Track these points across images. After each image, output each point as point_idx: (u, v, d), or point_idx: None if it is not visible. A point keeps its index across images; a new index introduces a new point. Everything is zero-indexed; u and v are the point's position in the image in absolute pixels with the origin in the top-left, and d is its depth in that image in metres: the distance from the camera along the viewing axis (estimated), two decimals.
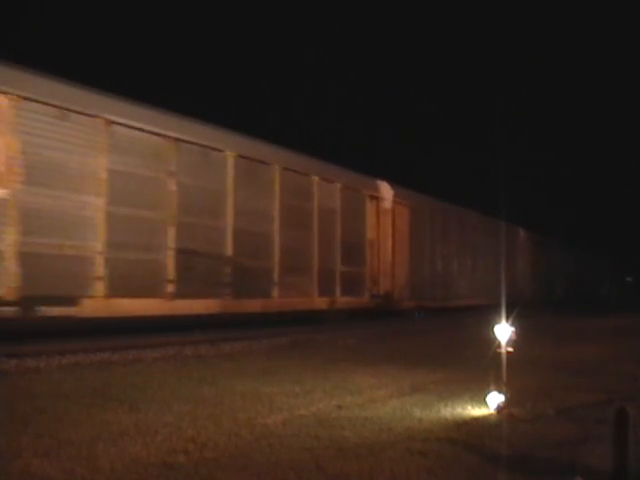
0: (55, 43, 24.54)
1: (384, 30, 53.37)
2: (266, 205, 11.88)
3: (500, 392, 4.66)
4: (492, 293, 19.96)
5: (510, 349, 4.74)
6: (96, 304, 8.67)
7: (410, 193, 17.33)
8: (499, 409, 4.65)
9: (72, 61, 21.18)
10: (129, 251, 9.23)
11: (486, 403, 4.73)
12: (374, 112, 46.22)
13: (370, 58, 48.25)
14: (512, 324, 4.84)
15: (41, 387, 5.52)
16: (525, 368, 6.42)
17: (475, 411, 4.75)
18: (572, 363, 7.79)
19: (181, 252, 9.96)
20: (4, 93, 7.79)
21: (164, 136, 9.85)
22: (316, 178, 13.33)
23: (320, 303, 13.23)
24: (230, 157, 11.08)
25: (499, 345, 4.76)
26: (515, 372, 4.87)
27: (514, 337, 4.77)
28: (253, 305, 11.53)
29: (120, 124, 9.15)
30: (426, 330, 13.13)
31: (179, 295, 9.91)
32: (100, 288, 8.74)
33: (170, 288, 9.82)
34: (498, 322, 4.83)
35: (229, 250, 10.94)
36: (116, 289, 8.91)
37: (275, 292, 11.97)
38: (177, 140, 10.05)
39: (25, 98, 7.98)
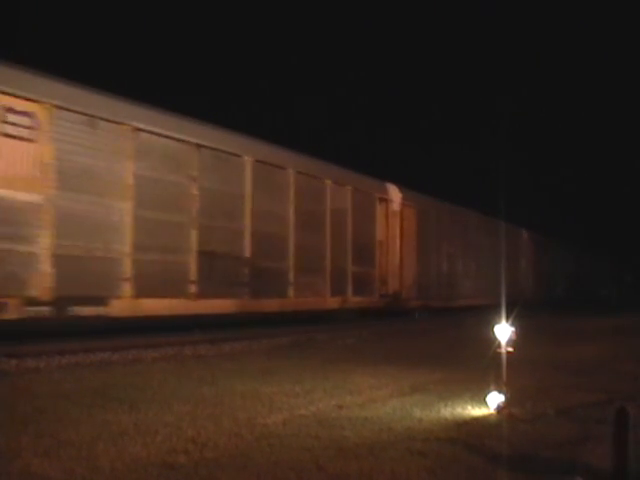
0: (55, 43, 24.57)
1: (384, 30, 53.41)
2: (282, 208, 12.17)
3: (500, 392, 4.66)
4: (494, 293, 20.00)
5: (510, 349, 4.74)
6: (123, 304, 8.94)
7: (417, 195, 17.57)
8: (499, 409, 4.64)
9: (72, 61, 21.20)
10: (154, 253, 9.50)
11: (486, 403, 4.73)
12: (374, 112, 46.27)
13: (370, 58, 48.30)
14: (512, 324, 4.84)
15: (41, 387, 5.52)
16: (525, 368, 6.41)
17: (475, 411, 4.74)
18: (572, 363, 7.78)
19: (203, 254, 10.21)
20: (40, 103, 8.03)
21: (186, 142, 10.12)
22: (329, 182, 13.58)
23: (332, 303, 13.48)
24: (248, 162, 11.32)
25: (499, 345, 4.76)
26: (515, 372, 4.86)
27: (514, 337, 4.77)
28: (270, 305, 11.79)
29: (145, 131, 9.42)
30: (427, 330, 13.14)
31: (201, 295, 10.18)
32: (127, 289, 9.01)
33: (193, 288, 10.08)
34: (498, 322, 4.83)
35: (247, 251, 11.19)
36: (142, 289, 9.19)
37: (291, 292, 12.22)
38: (198, 146, 10.30)
39: (58, 107, 8.22)
